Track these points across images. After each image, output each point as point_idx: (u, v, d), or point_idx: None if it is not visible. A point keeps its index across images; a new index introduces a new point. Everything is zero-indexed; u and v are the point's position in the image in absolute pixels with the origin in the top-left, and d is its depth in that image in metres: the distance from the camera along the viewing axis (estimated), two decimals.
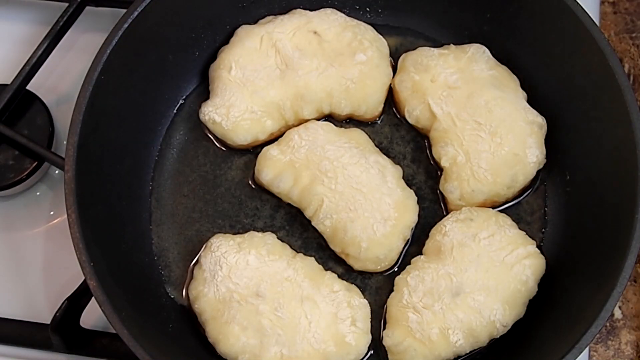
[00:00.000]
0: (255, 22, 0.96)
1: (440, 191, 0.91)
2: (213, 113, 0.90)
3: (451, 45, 0.95)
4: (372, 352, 0.84)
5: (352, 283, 0.86)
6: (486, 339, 0.82)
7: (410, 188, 0.90)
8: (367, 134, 0.92)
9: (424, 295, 0.82)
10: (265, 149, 0.90)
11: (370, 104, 0.93)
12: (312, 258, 0.86)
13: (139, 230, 0.90)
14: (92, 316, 0.87)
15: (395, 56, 0.96)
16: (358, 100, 0.92)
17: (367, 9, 0.99)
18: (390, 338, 0.82)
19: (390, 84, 0.94)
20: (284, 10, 0.96)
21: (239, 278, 0.82)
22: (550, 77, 0.91)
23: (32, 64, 0.95)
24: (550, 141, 0.90)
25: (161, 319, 0.85)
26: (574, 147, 0.89)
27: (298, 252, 0.87)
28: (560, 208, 0.90)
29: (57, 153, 0.92)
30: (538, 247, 0.86)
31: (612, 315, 0.94)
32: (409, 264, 0.86)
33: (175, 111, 0.95)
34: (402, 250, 0.88)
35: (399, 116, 0.95)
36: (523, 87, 0.93)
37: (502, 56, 0.94)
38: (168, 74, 0.93)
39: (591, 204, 0.85)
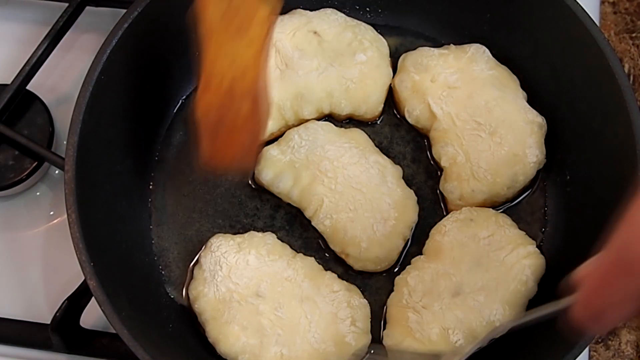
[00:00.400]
0: None
1: (440, 191, 0.91)
2: None
3: (451, 45, 0.95)
4: (372, 351, 0.84)
5: (352, 283, 0.86)
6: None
7: (410, 188, 0.90)
8: (367, 134, 0.92)
9: (424, 295, 0.82)
10: (265, 149, 0.90)
11: (370, 104, 0.93)
12: (312, 258, 0.86)
13: (139, 230, 0.90)
14: (92, 316, 0.87)
15: (395, 56, 0.96)
16: (358, 100, 0.92)
17: (367, 9, 0.99)
18: (390, 338, 0.82)
19: (390, 84, 0.94)
20: (284, 10, 0.96)
21: (239, 278, 0.82)
22: (550, 77, 0.91)
23: (32, 64, 0.95)
24: (550, 141, 0.90)
25: (161, 319, 0.85)
26: (574, 147, 0.89)
27: (298, 252, 0.87)
28: (560, 208, 0.90)
29: (57, 153, 0.92)
30: (538, 247, 0.86)
31: None
32: (409, 264, 0.86)
33: (175, 111, 0.95)
34: (402, 250, 0.88)
35: (399, 116, 0.95)
36: (523, 87, 0.93)
37: (502, 56, 0.94)
38: (168, 74, 0.93)
39: (591, 204, 0.85)
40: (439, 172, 0.92)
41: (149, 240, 0.90)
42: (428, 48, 0.94)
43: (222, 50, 0.72)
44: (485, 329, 0.81)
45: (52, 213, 0.96)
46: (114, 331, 0.74)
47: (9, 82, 0.95)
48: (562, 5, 0.85)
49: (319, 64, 0.92)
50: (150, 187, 0.93)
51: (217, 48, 0.72)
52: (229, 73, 0.72)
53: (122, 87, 0.87)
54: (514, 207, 0.91)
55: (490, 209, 0.88)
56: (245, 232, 0.88)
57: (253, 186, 0.92)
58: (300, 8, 0.96)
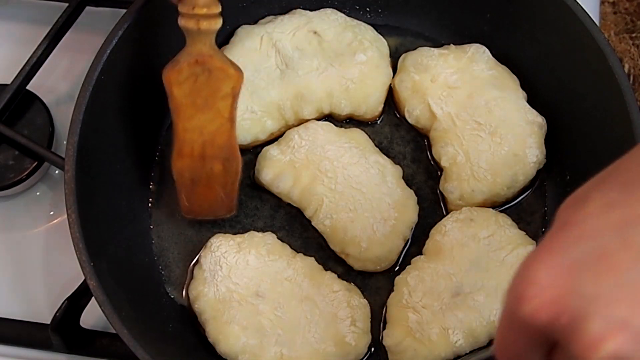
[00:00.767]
0: (255, 22, 0.96)
1: (440, 191, 0.91)
2: None
3: (451, 45, 0.95)
4: (372, 351, 0.84)
5: (352, 283, 0.86)
6: (486, 339, 0.82)
7: (410, 188, 0.90)
8: (367, 134, 0.92)
9: (424, 295, 0.82)
10: (265, 149, 0.90)
11: (370, 104, 0.93)
12: (312, 258, 0.86)
13: (139, 230, 0.90)
14: (92, 316, 0.87)
15: (395, 56, 0.96)
16: (358, 100, 0.92)
17: (367, 9, 0.99)
18: (390, 338, 0.82)
19: (390, 84, 0.94)
20: (284, 10, 0.96)
21: (239, 278, 0.82)
22: (550, 77, 0.91)
23: (32, 64, 0.95)
24: (550, 141, 0.90)
25: (161, 319, 0.85)
26: (574, 147, 0.89)
27: (298, 252, 0.87)
28: None
29: (57, 153, 0.92)
30: None
31: None
32: (409, 264, 0.86)
33: None
34: (402, 250, 0.88)
35: (399, 116, 0.95)
36: (523, 87, 0.93)
37: (502, 56, 0.94)
38: None
39: None
40: (439, 172, 0.92)
41: (149, 240, 0.90)
42: (428, 48, 0.94)
43: (191, 122, 0.80)
44: (485, 329, 0.81)
45: (52, 213, 0.96)
46: (114, 331, 0.74)
47: (9, 82, 0.95)
48: (562, 5, 0.85)
49: (319, 64, 0.92)
50: (150, 187, 0.93)
51: (187, 121, 0.80)
52: (200, 139, 0.81)
53: (122, 87, 0.86)
54: (514, 207, 0.91)
55: (490, 209, 0.88)
56: (245, 232, 0.88)
57: (253, 186, 0.92)
58: (300, 8, 0.96)
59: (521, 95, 0.92)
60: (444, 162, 0.89)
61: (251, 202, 0.91)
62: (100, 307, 0.74)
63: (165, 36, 0.90)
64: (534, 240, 0.86)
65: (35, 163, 0.93)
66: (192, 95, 0.78)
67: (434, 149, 0.91)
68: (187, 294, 0.86)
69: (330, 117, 0.95)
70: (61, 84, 1.01)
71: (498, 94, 0.90)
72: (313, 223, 0.88)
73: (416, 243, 0.89)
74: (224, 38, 0.95)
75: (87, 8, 1.00)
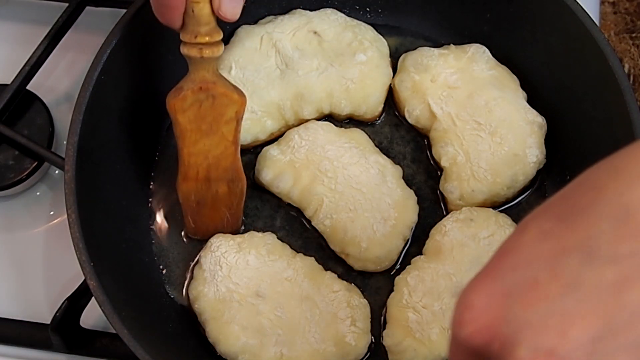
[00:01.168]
0: (255, 22, 0.96)
1: (440, 191, 0.91)
2: None
3: (451, 45, 0.95)
4: (372, 351, 0.84)
5: (352, 283, 0.86)
6: None
7: (410, 188, 0.90)
8: (367, 134, 0.92)
9: (424, 295, 0.82)
10: (265, 149, 0.90)
11: (370, 104, 0.93)
12: (312, 258, 0.86)
13: (139, 230, 0.90)
14: (92, 316, 0.87)
15: (395, 56, 0.96)
16: (358, 100, 0.92)
17: (367, 9, 0.99)
18: (390, 338, 0.82)
19: (390, 84, 0.94)
20: (284, 10, 0.96)
21: (239, 278, 0.82)
22: (550, 77, 0.91)
23: (32, 64, 0.95)
24: (550, 141, 0.90)
25: (161, 319, 0.85)
26: (574, 147, 0.89)
27: (298, 252, 0.87)
28: None
29: (57, 153, 0.92)
30: None
31: None
32: (409, 264, 0.86)
33: None
34: (402, 250, 0.88)
35: (399, 116, 0.95)
36: (523, 87, 0.93)
37: (502, 56, 0.94)
38: (168, 74, 0.93)
39: None
40: (439, 172, 0.92)
41: (149, 240, 0.90)
42: (428, 48, 0.94)
43: (196, 147, 0.80)
44: None
45: (52, 213, 0.96)
46: (114, 331, 0.74)
47: (9, 82, 0.95)
48: (562, 5, 0.85)
49: (319, 64, 0.92)
50: (151, 187, 0.93)
51: (192, 145, 0.80)
52: (205, 163, 0.82)
53: (122, 87, 0.87)
54: (514, 207, 0.91)
55: (490, 209, 0.88)
56: (245, 232, 0.88)
57: (253, 186, 0.92)
58: (300, 8, 0.96)
59: (521, 95, 0.92)
60: (444, 162, 0.89)
61: (251, 202, 0.91)
62: (100, 307, 0.74)
63: (165, 36, 0.90)
64: None
65: (35, 163, 0.93)
66: (197, 121, 0.78)
67: (434, 149, 0.91)
68: (187, 294, 0.86)
69: (330, 117, 0.95)
70: (61, 84, 1.01)
71: (498, 94, 0.90)
72: (313, 223, 0.88)
73: (416, 243, 0.89)
74: (224, 38, 0.95)
75: (87, 8, 1.00)
